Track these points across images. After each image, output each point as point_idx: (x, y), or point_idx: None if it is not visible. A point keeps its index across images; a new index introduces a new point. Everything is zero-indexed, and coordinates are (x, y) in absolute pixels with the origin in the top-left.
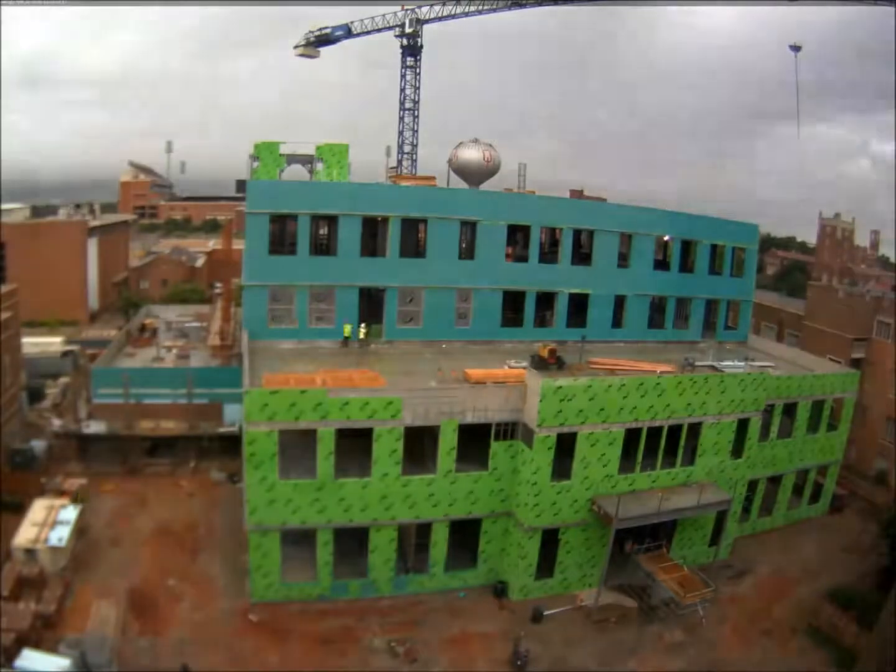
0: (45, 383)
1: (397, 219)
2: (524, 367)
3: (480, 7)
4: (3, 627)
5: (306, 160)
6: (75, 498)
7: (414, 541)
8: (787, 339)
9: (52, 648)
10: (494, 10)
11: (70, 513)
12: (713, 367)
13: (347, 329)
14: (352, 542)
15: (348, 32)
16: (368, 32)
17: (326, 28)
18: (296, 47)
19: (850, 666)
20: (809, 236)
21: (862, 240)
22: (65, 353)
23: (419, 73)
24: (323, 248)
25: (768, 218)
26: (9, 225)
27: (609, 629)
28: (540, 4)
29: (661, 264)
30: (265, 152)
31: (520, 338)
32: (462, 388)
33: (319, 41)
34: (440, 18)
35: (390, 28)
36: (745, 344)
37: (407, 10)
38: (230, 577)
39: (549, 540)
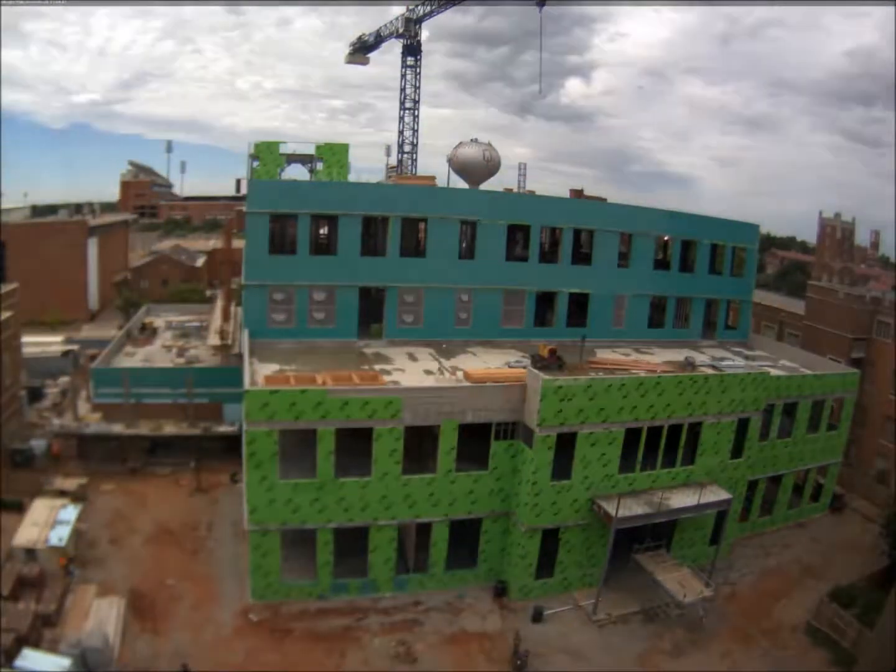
0: (45, 383)
1: (397, 218)
2: (524, 367)
3: None
4: (3, 627)
5: (306, 160)
6: (75, 497)
7: (414, 540)
8: (787, 339)
9: (52, 648)
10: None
11: (70, 513)
12: (713, 367)
13: None
14: (352, 542)
15: (379, 36)
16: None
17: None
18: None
19: (850, 666)
20: (810, 236)
21: (862, 239)
22: (65, 353)
23: (419, 73)
24: (323, 247)
25: None
26: (9, 225)
27: (609, 629)
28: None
29: (661, 264)
30: (265, 152)
31: (520, 337)
32: (462, 388)
33: (365, 48)
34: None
35: (401, 36)
36: (746, 343)
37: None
38: (230, 576)
39: (549, 540)
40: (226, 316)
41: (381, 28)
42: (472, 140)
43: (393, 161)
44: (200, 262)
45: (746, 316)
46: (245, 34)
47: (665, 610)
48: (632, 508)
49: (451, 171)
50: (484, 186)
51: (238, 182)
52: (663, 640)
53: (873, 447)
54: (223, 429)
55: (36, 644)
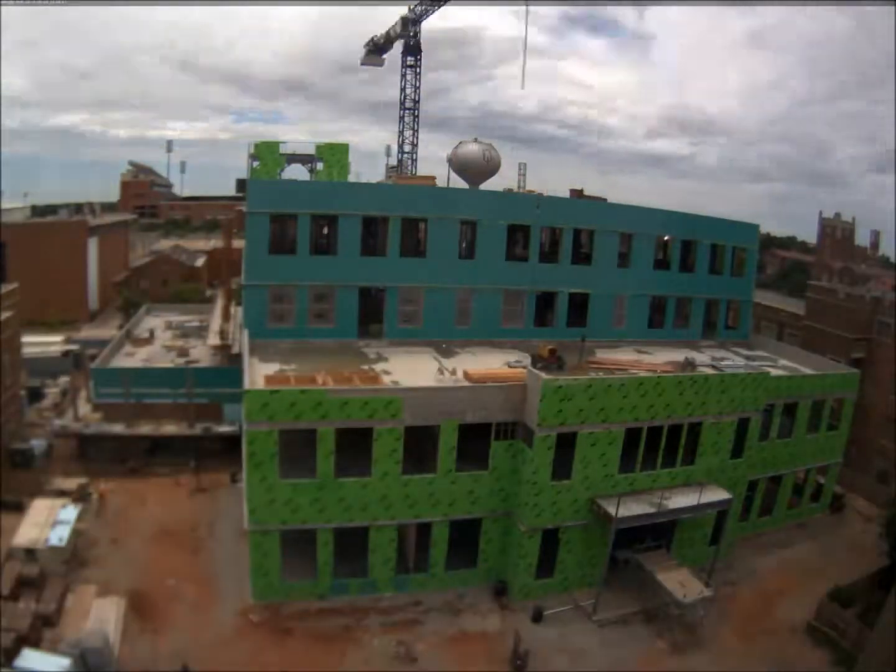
0: (45, 383)
1: (397, 218)
2: (524, 367)
3: None
4: (3, 627)
5: (306, 160)
6: (75, 497)
7: (414, 540)
8: (787, 339)
9: (52, 648)
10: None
11: (70, 513)
12: (713, 367)
13: None
14: (352, 542)
15: (389, 36)
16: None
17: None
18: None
19: (850, 666)
20: (810, 236)
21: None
22: (65, 353)
23: (419, 73)
24: (323, 247)
25: None
26: (9, 225)
27: (609, 629)
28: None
29: (662, 264)
30: (265, 152)
31: (520, 337)
32: (462, 388)
33: (379, 49)
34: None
35: (401, 36)
36: (746, 343)
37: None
38: (230, 576)
39: (549, 540)
40: (226, 316)
41: (390, 29)
42: (472, 140)
43: (393, 161)
44: (200, 262)
45: (746, 316)
46: None
47: (665, 610)
48: (632, 508)
49: (451, 171)
50: (484, 186)
51: (238, 182)
52: (663, 640)
53: (873, 447)
54: (223, 429)
55: (36, 644)
